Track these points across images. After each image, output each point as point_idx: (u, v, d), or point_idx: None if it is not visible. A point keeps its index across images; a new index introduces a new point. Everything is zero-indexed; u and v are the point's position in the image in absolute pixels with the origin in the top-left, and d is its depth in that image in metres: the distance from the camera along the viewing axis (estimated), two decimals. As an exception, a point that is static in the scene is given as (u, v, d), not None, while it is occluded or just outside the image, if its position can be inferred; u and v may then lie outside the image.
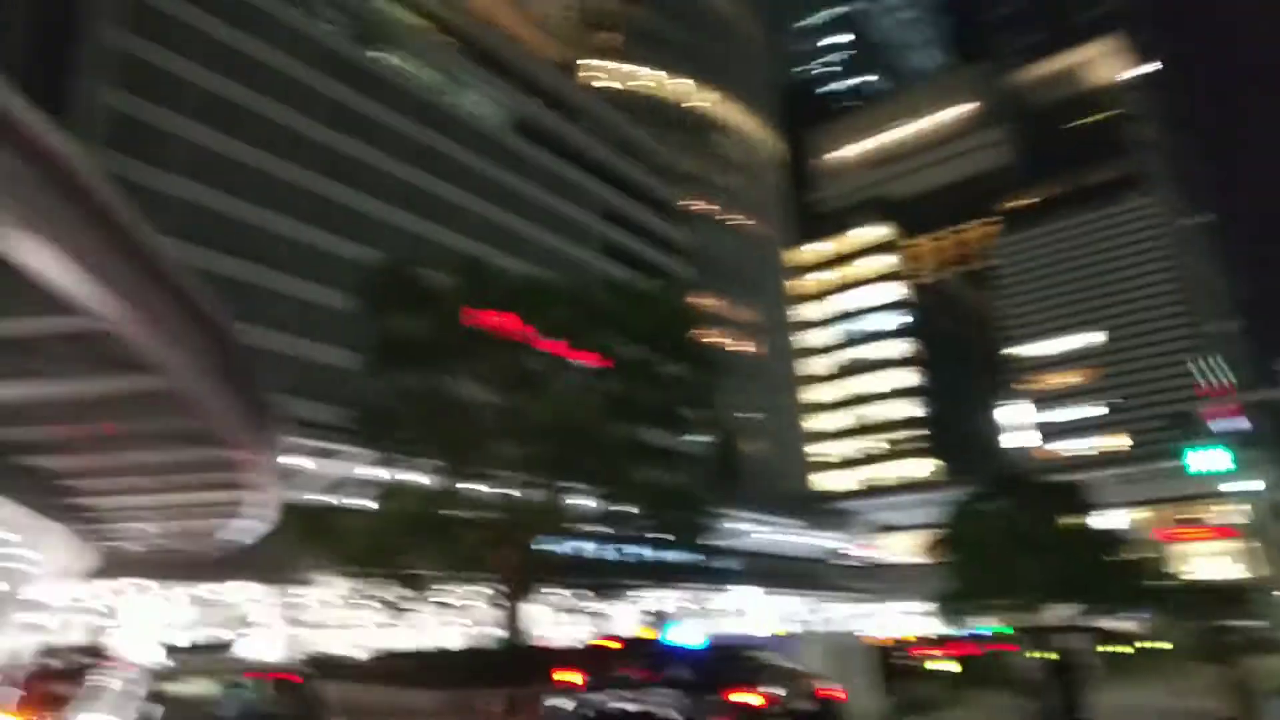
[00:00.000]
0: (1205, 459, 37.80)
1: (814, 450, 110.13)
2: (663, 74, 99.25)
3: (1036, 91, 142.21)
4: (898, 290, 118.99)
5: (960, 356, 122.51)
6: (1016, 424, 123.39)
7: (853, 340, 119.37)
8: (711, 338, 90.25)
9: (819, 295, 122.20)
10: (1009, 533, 39.25)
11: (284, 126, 48.47)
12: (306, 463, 40.65)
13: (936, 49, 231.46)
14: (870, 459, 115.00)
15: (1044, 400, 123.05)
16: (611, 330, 32.00)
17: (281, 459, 28.04)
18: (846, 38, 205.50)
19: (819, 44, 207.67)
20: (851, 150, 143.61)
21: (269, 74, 48.33)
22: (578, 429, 27.99)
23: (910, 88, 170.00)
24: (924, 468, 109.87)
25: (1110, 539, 44.52)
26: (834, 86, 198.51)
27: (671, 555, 53.03)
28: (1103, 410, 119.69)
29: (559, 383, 31.24)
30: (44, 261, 11.90)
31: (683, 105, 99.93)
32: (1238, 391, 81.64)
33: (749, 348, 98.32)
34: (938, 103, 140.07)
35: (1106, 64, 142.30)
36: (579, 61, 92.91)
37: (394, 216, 52.98)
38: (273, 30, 49.34)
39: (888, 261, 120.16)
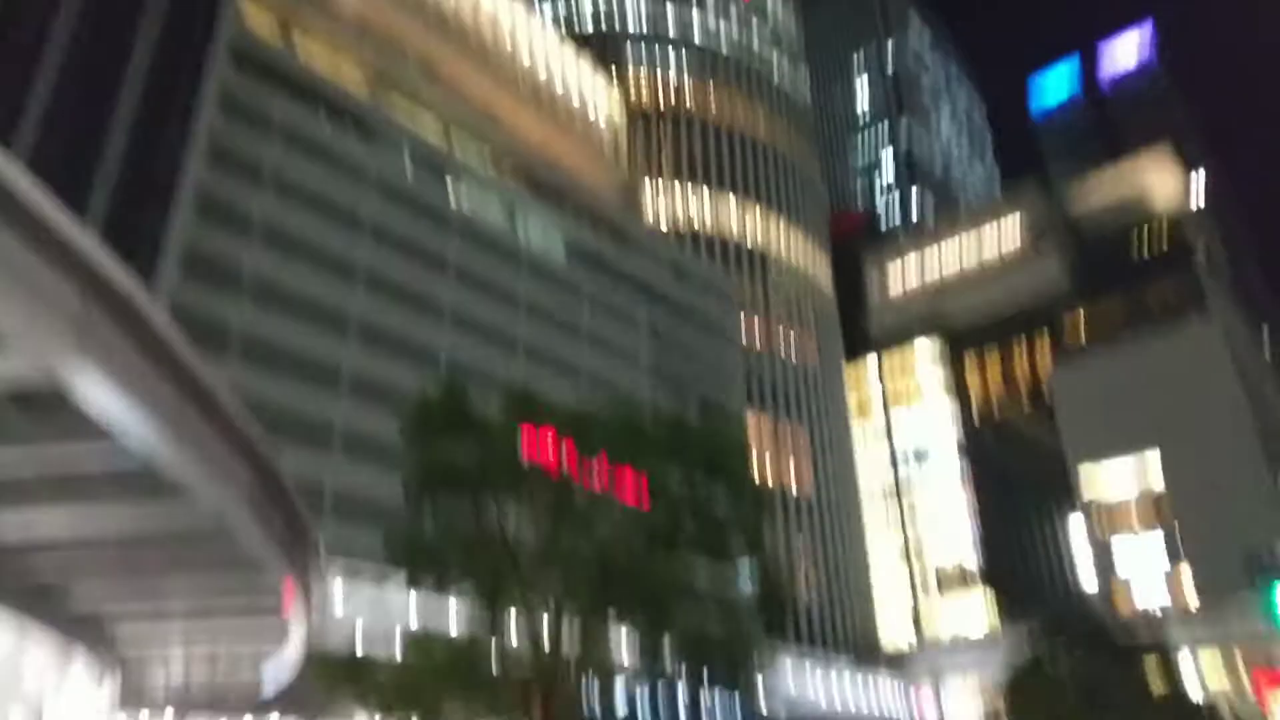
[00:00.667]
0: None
1: (868, 587, 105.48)
2: (718, 201, 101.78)
3: (1090, 209, 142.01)
4: (954, 414, 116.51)
5: (1018, 485, 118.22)
6: (1079, 558, 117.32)
7: (908, 468, 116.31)
8: (764, 466, 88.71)
9: (874, 420, 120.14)
10: (1081, 693, 36.30)
11: (343, 255, 50.23)
12: (345, 592, 39.98)
13: (984, 171, 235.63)
14: (926, 594, 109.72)
15: (1108, 533, 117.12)
16: (659, 459, 31.36)
17: (320, 588, 27.49)
18: (895, 159, 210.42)
19: (868, 168, 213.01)
20: (904, 272, 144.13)
21: (333, 205, 50.51)
22: (621, 564, 27.06)
23: (961, 209, 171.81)
24: (984, 605, 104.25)
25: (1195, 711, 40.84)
26: (885, 210, 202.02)
27: (717, 707, 50.17)
28: (1170, 544, 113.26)
29: (603, 515, 30.48)
30: (94, 390, 11.92)
31: (737, 231, 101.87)
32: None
33: (803, 477, 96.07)
34: (989, 223, 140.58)
35: (1161, 181, 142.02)
36: (636, 190, 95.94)
37: (448, 342, 53.89)
38: (341, 165, 51.92)
39: (943, 383, 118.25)
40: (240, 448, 17.08)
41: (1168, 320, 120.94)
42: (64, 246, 11.33)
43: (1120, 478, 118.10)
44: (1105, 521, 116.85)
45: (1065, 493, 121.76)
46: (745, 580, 38.85)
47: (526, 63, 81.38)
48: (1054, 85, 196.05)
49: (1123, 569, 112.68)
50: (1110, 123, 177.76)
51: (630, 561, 28.00)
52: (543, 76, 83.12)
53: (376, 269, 51.67)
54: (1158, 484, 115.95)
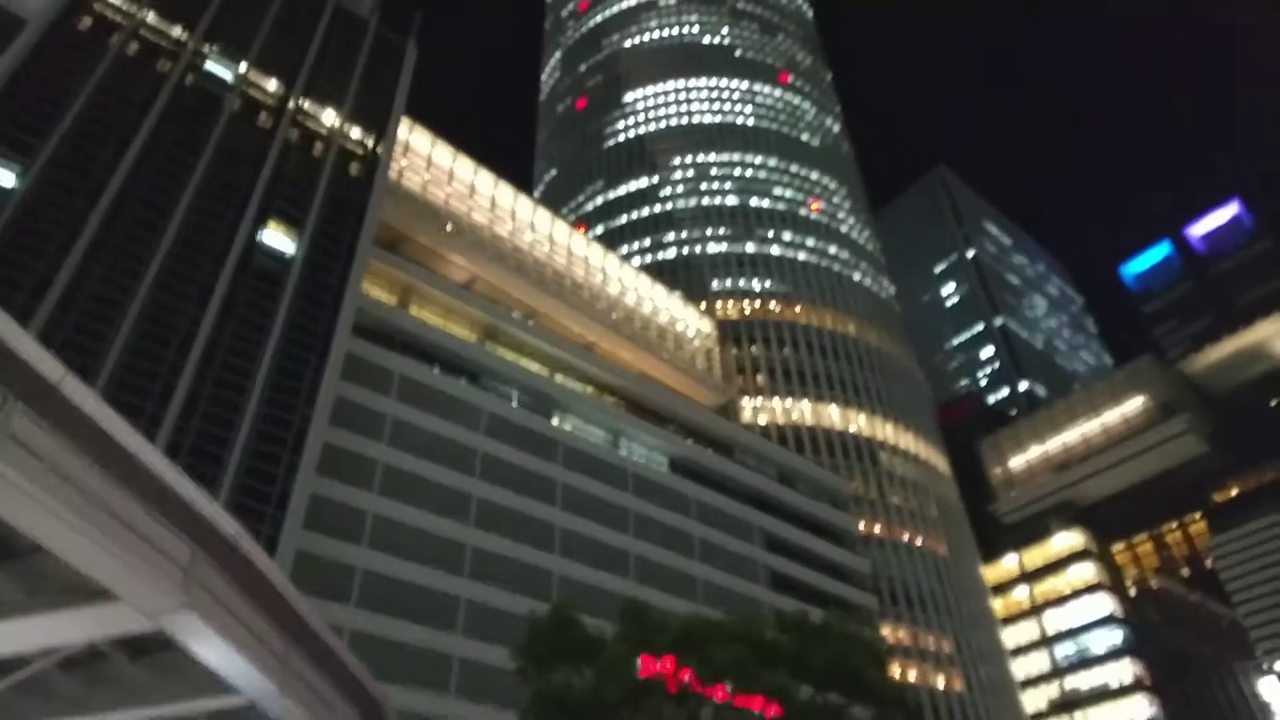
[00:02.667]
0: None
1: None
2: (815, 404, 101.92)
3: (1215, 376, 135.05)
4: (1108, 604, 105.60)
5: (1197, 677, 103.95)
6: None
7: (1068, 667, 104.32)
8: (903, 672, 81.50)
9: (1019, 616, 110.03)
10: None
11: (458, 491, 51.95)
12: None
13: (1092, 349, 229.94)
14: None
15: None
16: (787, 671, 29.45)
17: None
18: (993, 350, 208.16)
19: (971, 359, 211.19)
20: (1028, 457, 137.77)
21: (447, 447, 53.08)
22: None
23: (1075, 388, 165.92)
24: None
25: None
26: (996, 396, 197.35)
27: None
28: None
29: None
30: (200, 636, 12.28)
31: (841, 431, 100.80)
32: None
33: (951, 683, 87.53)
34: (1109, 400, 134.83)
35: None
36: (734, 403, 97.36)
37: (561, 566, 53.69)
38: (453, 410, 55.15)
39: (1089, 572, 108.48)
40: (348, 690, 17.00)
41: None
42: (177, 502, 12.12)
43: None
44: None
45: (1247, 673, 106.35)
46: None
47: (618, 297, 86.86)
48: (1151, 264, 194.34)
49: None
50: (1216, 292, 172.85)
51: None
52: (633, 307, 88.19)
53: (489, 501, 53.03)
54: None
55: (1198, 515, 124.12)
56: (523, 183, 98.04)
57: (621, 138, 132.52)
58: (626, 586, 53.26)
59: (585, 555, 55.63)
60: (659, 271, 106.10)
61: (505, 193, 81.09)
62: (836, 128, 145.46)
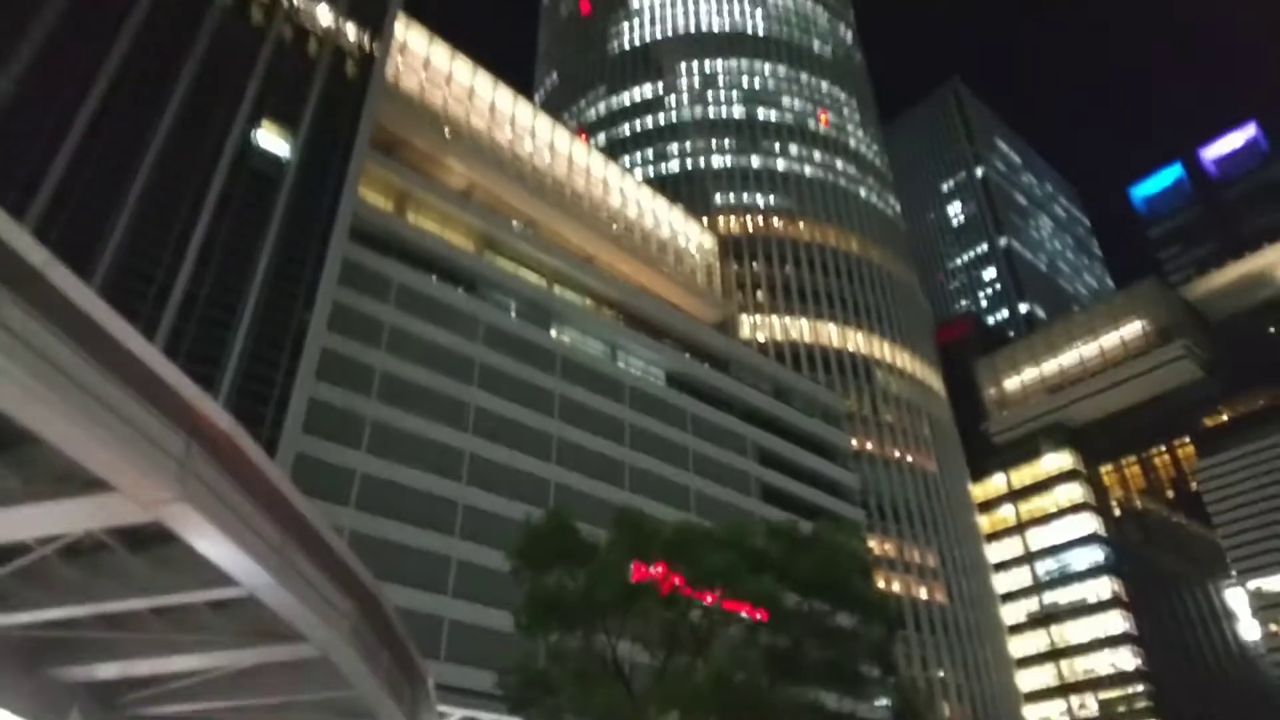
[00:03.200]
0: None
1: (1014, 715, 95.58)
2: (816, 322, 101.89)
3: (1216, 302, 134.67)
4: (1092, 523, 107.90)
5: (1173, 590, 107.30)
6: (1249, 652, 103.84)
7: (1050, 582, 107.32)
8: (889, 584, 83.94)
9: (1004, 533, 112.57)
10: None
11: (456, 399, 52.33)
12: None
13: (1096, 272, 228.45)
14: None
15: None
16: (774, 578, 30.18)
17: (435, 729, 26.95)
18: (996, 271, 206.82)
19: (973, 279, 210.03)
20: (1023, 378, 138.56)
21: (445, 355, 53.21)
22: (741, 691, 25.66)
23: (1075, 312, 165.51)
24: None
25: None
26: (996, 317, 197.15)
27: None
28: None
29: (720, 640, 29.28)
30: (207, 538, 12.48)
31: (840, 349, 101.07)
32: None
33: (935, 595, 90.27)
34: (1108, 323, 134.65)
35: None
36: (734, 318, 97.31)
37: (558, 475, 54.56)
38: (451, 319, 55.06)
39: (1076, 492, 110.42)
40: (345, 584, 17.34)
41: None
42: (171, 394, 12.09)
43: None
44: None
45: (1221, 591, 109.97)
46: (880, 707, 36.07)
47: (619, 209, 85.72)
48: (1161, 187, 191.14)
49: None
50: (1224, 218, 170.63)
51: (751, 685, 26.56)
52: (635, 220, 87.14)
53: (487, 411, 53.51)
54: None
55: (1186, 440, 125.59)
56: (523, 88, 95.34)
57: (626, 43, 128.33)
58: (621, 496, 54.26)
59: (581, 465, 56.46)
60: (662, 184, 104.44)
61: (505, 97, 79.05)
62: (849, 36, 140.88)
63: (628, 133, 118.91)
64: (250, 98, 49.10)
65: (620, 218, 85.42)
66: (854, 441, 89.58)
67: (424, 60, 72.84)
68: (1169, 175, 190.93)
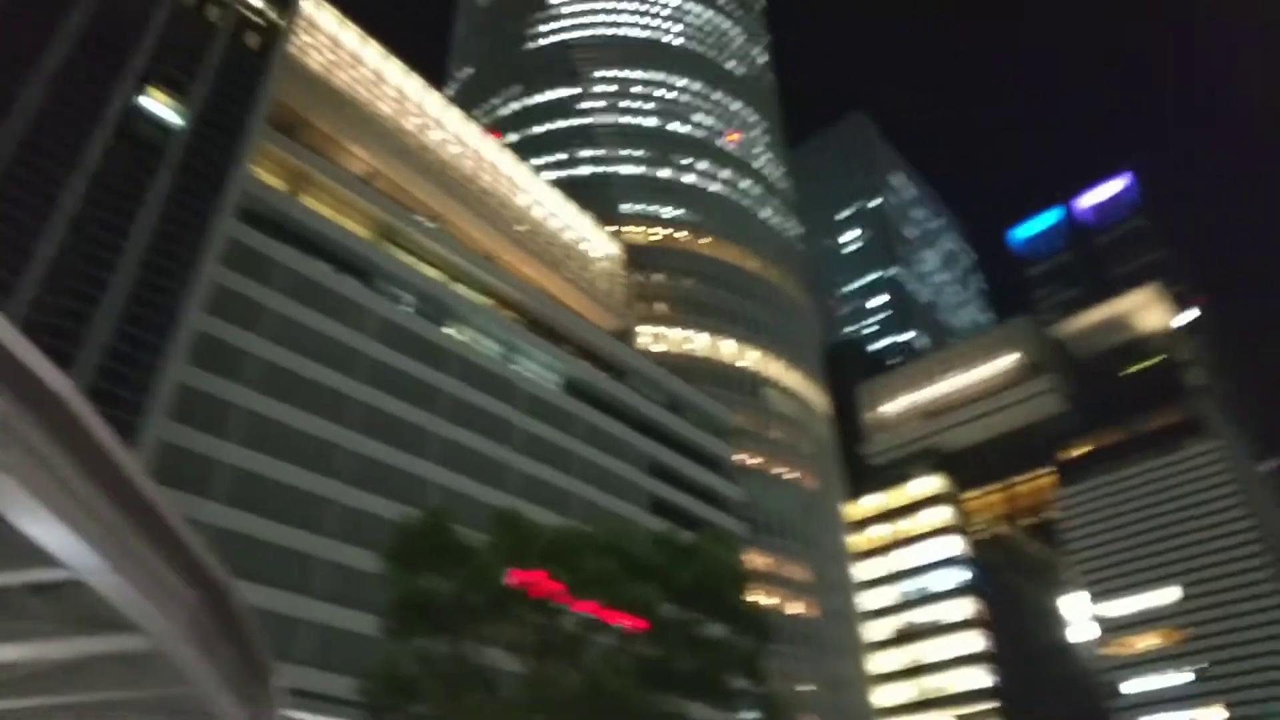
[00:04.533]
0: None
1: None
2: (713, 337, 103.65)
3: (1082, 341, 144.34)
4: (956, 546, 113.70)
5: (1029, 614, 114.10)
6: (1096, 689, 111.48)
7: (913, 601, 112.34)
8: (763, 598, 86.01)
9: (875, 552, 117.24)
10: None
11: (339, 393, 50.63)
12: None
13: (976, 306, 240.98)
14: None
15: (1124, 668, 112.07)
16: (652, 586, 30.39)
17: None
18: (886, 298, 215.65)
19: (861, 305, 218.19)
20: (901, 404, 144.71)
21: (330, 347, 51.41)
22: (611, 700, 25.72)
23: (954, 342, 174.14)
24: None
25: None
26: (880, 344, 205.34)
27: None
28: (1189, 676, 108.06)
29: (592, 648, 29.28)
30: (29, 511, 11.44)
31: (732, 365, 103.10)
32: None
33: (805, 610, 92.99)
34: (982, 356, 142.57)
35: (1149, 312, 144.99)
36: (632, 328, 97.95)
37: (440, 476, 53.50)
38: (341, 309, 53.26)
39: (944, 515, 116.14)
40: (188, 572, 16.25)
41: (1168, 449, 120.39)
42: None
43: (1135, 608, 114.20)
44: (1123, 656, 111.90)
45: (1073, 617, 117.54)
46: (746, 718, 36.69)
47: (525, 210, 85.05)
48: (1039, 229, 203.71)
49: (1144, 710, 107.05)
50: (1094, 263, 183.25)
51: (622, 694, 26.64)
52: (540, 222, 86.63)
53: (371, 406, 51.99)
54: (1175, 614, 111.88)
55: (1047, 470, 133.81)
56: (435, 79, 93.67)
57: (543, 41, 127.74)
58: (506, 500, 53.47)
59: (467, 467, 55.55)
60: (571, 188, 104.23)
61: (415, 86, 77.34)
62: (763, 59, 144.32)
63: (540, 132, 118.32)
64: (140, 60, 46.36)
65: (526, 218, 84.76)
66: (741, 456, 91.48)
67: (332, 40, 70.50)
68: (1048, 219, 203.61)
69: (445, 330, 61.00)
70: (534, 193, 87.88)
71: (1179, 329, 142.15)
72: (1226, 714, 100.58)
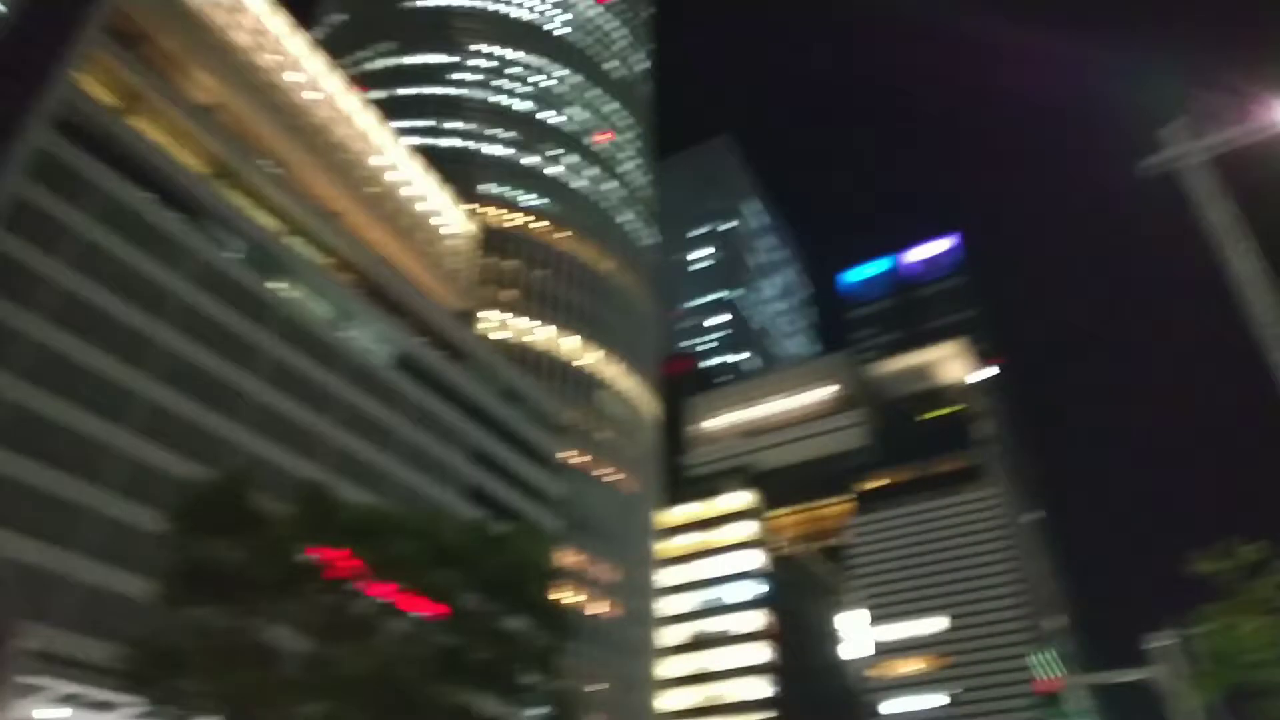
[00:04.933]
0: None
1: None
2: (555, 331, 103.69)
3: (891, 383, 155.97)
4: (756, 560, 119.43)
5: (811, 635, 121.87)
6: (863, 714, 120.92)
7: (710, 609, 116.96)
8: (568, 595, 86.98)
9: (681, 559, 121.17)
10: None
11: (143, 336, 46.73)
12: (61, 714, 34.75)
13: (805, 337, 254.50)
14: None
15: (889, 689, 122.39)
16: (457, 574, 30.10)
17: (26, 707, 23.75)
18: (725, 319, 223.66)
19: (701, 322, 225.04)
20: (724, 420, 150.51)
21: (140, 284, 47.34)
22: (397, 688, 25.28)
23: (780, 369, 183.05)
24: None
25: None
26: (713, 361, 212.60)
27: None
28: (944, 700, 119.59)
29: (385, 632, 28.68)
30: None
31: (571, 362, 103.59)
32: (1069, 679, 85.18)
33: (607, 610, 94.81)
34: (804, 384, 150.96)
35: (953, 364, 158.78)
36: (475, 312, 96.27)
37: (244, 438, 50.48)
38: (158, 245, 49.15)
39: (748, 531, 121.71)
40: None
41: (951, 491, 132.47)
42: None
43: (906, 634, 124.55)
44: (890, 677, 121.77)
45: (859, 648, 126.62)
46: (535, 714, 37.03)
47: (379, 172, 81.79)
48: (868, 275, 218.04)
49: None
50: (914, 314, 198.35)
51: (410, 683, 26.25)
52: (394, 187, 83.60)
53: (176, 355, 48.30)
54: (939, 642, 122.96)
55: (845, 497, 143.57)
56: (304, 18, 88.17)
57: (424, 1, 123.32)
58: (316, 472, 51.29)
59: (277, 432, 52.74)
60: (433, 158, 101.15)
61: (279, 22, 72.65)
62: (643, 65, 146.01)
63: (409, 95, 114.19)
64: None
65: (380, 181, 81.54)
66: (567, 453, 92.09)
67: (190, -48, 64.92)
68: (877, 267, 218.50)
69: (273, 285, 57.65)
70: (392, 156, 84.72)
71: (976, 383, 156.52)
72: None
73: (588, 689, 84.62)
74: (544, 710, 38.83)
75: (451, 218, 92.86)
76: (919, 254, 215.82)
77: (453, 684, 28.85)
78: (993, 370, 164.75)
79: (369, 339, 64.99)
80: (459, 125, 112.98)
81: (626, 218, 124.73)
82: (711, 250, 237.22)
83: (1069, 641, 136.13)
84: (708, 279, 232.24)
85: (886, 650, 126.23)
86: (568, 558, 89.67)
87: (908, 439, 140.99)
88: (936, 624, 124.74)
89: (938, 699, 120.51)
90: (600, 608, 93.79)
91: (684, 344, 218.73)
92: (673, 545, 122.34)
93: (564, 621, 34.73)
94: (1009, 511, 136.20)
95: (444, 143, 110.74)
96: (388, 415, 62.95)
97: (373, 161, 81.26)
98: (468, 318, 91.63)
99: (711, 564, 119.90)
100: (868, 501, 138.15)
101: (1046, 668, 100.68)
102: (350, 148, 78.27)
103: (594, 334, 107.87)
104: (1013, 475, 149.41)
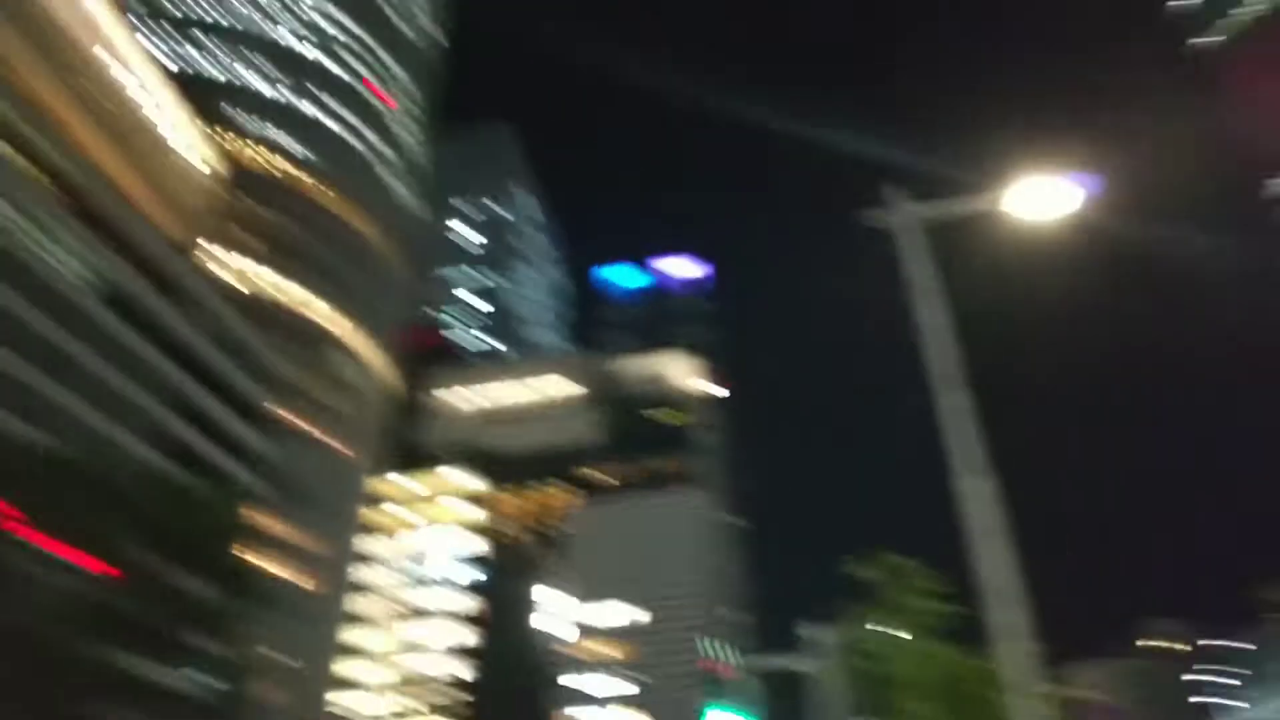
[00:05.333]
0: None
1: (343, 703, 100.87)
2: (296, 286, 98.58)
3: (627, 382, 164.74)
4: (473, 541, 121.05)
5: (516, 617, 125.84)
6: (564, 697, 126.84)
7: (420, 585, 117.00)
8: (262, 560, 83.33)
9: (394, 531, 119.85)
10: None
11: None
12: None
13: (557, 331, 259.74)
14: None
15: (582, 670, 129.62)
16: (135, 530, 29.19)
17: None
18: (482, 302, 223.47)
19: (458, 302, 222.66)
20: (464, 399, 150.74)
21: None
22: (36, 646, 24.20)
23: (527, 357, 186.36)
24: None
25: None
26: (463, 341, 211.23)
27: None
28: (633, 687, 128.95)
29: (44, 587, 27.32)
30: None
31: (306, 318, 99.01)
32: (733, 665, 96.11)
33: (303, 578, 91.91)
34: (548, 375, 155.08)
35: (689, 378, 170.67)
36: (207, 250, 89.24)
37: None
38: None
39: (471, 510, 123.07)
40: None
41: (664, 490, 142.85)
42: None
43: (606, 620, 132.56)
44: (584, 659, 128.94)
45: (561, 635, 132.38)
46: (200, 680, 36.50)
47: (117, 84, 73.73)
48: (624, 278, 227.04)
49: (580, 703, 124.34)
50: (662, 324, 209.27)
51: (52, 642, 25.21)
52: (133, 104, 75.74)
53: None
54: (634, 631, 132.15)
55: (570, 486, 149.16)
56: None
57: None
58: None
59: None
60: (186, 80, 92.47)
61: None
62: (435, 33, 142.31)
63: (170, 9, 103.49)
64: None
65: (116, 95, 73.48)
66: (285, 412, 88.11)
67: None
68: (636, 274, 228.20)
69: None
70: (137, 71, 76.64)
71: (706, 398, 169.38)
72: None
73: (267, 658, 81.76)
74: (211, 677, 38.23)
75: (196, 147, 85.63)
76: (678, 269, 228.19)
77: (106, 644, 27.87)
78: (723, 390, 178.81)
79: (70, 260, 58.67)
80: (225, 54, 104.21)
81: (394, 184, 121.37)
82: (481, 232, 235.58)
83: (752, 638, 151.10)
84: (471, 260, 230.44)
85: (589, 634, 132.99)
86: (265, 521, 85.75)
87: (633, 436, 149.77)
88: (636, 613, 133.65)
89: (626, 685, 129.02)
90: (295, 575, 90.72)
91: (436, 320, 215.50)
92: (388, 516, 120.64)
93: (248, 586, 34.46)
94: (715, 516, 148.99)
95: (199, 63, 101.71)
96: (78, 348, 57.07)
97: (113, 72, 73.15)
98: (191, 254, 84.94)
99: (427, 539, 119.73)
100: (589, 492, 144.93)
101: (718, 655, 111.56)
102: (85, 51, 69.97)
103: (337, 294, 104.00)
104: (723, 485, 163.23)
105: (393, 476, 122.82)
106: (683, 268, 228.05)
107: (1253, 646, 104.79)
